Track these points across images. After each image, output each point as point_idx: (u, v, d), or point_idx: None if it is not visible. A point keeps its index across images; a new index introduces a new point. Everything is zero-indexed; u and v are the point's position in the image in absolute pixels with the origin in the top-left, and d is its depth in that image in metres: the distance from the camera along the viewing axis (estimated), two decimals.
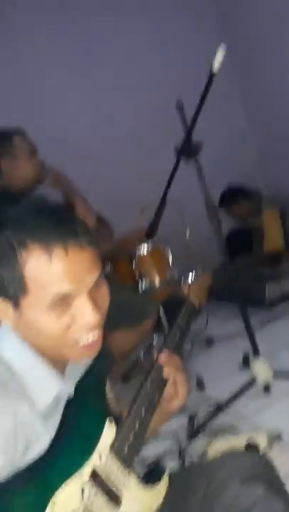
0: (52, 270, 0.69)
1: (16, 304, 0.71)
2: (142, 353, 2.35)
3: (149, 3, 3.95)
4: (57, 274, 0.69)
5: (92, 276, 0.73)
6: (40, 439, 0.70)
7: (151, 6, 3.95)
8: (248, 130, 4.33)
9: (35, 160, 2.00)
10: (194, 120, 1.69)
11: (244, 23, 3.89)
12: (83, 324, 0.72)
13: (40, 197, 0.80)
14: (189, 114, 1.76)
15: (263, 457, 0.91)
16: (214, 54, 1.56)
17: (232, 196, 3.45)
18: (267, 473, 0.85)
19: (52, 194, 1.95)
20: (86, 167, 3.56)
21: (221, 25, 4.16)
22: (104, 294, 0.78)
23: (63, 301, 0.71)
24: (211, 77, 1.57)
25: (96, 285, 0.75)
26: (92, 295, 0.74)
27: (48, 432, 0.71)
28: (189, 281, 1.18)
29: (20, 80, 3.54)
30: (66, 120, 3.64)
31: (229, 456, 0.92)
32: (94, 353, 0.77)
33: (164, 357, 0.94)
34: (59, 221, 0.71)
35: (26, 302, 0.71)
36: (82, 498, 0.68)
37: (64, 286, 0.70)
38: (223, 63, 1.57)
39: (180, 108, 1.74)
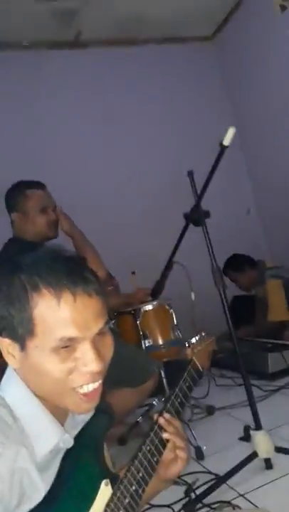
0: (59, 314, 0.72)
1: (23, 345, 0.73)
2: (141, 415, 2.28)
3: (166, 87, 4.31)
4: (64, 319, 0.72)
5: (97, 324, 0.75)
6: (36, 490, 0.69)
7: (167, 88, 4.31)
8: (254, 202, 4.51)
9: (46, 216, 2.04)
10: (204, 188, 1.79)
11: (250, 103, 4.19)
12: (85, 371, 0.74)
13: (57, 245, 0.84)
14: (199, 184, 1.87)
15: None
16: (223, 129, 1.70)
17: (237, 264, 3.52)
18: None
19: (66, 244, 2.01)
20: (99, 224, 3.69)
21: (230, 105, 4.49)
22: (108, 345, 0.80)
23: (68, 346, 0.73)
24: (223, 149, 1.68)
25: (101, 334, 0.77)
26: (96, 344, 0.76)
27: (44, 483, 0.70)
28: (194, 343, 1.19)
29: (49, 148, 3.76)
30: (85, 180, 3.85)
31: None
32: (93, 403, 0.78)
33: (164, 419, 0.93)
34: (71, 269, 0.75)
35: (32, 344, 0.73)
36: None
37: (69, 331, 0.72)
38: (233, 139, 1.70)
39: (191, 177, 1.84)
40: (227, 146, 1.67)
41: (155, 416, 0.95)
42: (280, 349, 2.85)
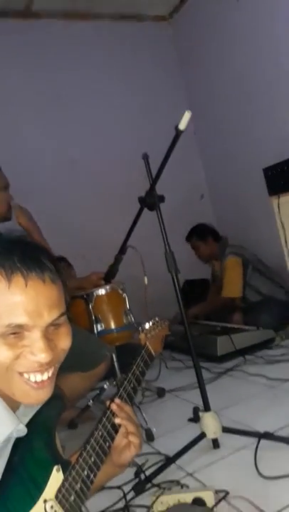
0: (9, 298, 0.69)
1: None
2: (92, 399, 2.28)
3: (120, 66, 4.20)
4: (13, 304, 0.69)
5: (51, 313, 0.72)
6: None
7: (122, 67, 4.21)
8: (207, 187, 4.57)
9: (5, 195, 2.00)
10: (159, 172, 1.77)
11: (205, 87, 4.20)
12: (32, 360, 0.71)
13: (16, 230, 0.80)
14: (153, 167, 1.85)
15: (211, 511, 0.89)
16: (178, 112, 1.68)
17: (203, 233, 3.58)
18: None
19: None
20: (51, 206, 3.59)
21: (185, 88, 4.48)
22: (64, 335, 0.77)
23: (16, 333, 0.70)
24: (178, 133, 1.66)
25: (56, 325, 0.74)
26: (49, 333, 0.73)
27: None
28: (147, 329, 1.19)
29: None
30: (35, 164, 3.70)
31: (178, 509, 0.90)
32: (44, 393, 0.75)
33: (116, 405, 0.93)
34: (27, 253, 0.72)
35: None
36: None
37: (19, 318, 0.69)
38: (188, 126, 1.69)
39: (146, 160, 1.82)
40: (182, 131, 1.65)
41: (107, 402, 0.94)
42: (228, 332, 2.93)
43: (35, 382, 0.73)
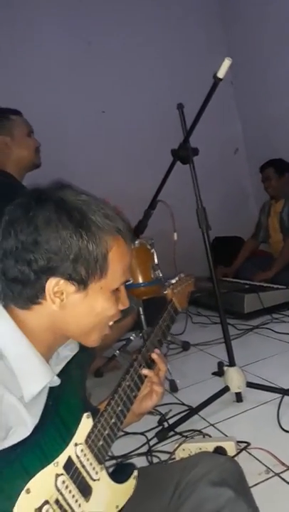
0: (125, 260, 0.81)
1: (85, 285, 0.76)
2: (118, 349, 2.35)
3: (154, 5, 3.97)
4: (126, 265, 0.82)
5: None
6: (23, 424, 0.69)
7: (156, 7, 3.98)
8: (243, 141, 4.40)
9: (32, 140, 1.98)
10: (194, 123, 1.70)
11: (245, 36, 3.95)
12: (120, 307, 0.83)
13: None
14: (187, 120, 1.78)
15: (233, 460, 0.92)
16: (216, 66, 1.59)
17: (281, 167, 3.43)
18: (236, 476, 0.86)
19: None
20: (81, 159, 3.56)
21: (224, 36, 4.22)
22: None
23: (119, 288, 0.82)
24: (216, 82, 1.58)
25: None
26: None
27: (32, 417, 0.71)
28: (173, 284, 1.19)
29: (23, 77, 3.49)
30: (64, 112, 3.63)
31: (200, 456, 0.93)
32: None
33: (156, 355, 0.97)
34: (125, 221, 0.82)
35: (98, 285, 0.77)
36: (55, 488, 0.68)
37: (127, 276, 0.82)
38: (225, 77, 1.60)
39: (180, 110, 1.75)
40: (221, 79, 1.57)
41: (134, 354, 0.96)
42: (256, 290, 2.91)
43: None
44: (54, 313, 0.76)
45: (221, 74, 1.57)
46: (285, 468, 1.30)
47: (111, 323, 0.84)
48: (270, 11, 3.59)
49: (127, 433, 1.56)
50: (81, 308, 0.77)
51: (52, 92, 3.55)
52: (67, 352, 0.86)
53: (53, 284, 0.73)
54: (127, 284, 2.40)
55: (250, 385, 1.77)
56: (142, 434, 1.60)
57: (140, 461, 1.46)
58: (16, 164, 1.94)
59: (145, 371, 0.93)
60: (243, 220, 4.06)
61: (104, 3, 3.78)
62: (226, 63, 1.54)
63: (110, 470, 0.83)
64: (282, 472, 1.29)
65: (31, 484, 0.64)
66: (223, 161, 4.19)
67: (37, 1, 3.56)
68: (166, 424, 1.65)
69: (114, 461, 1.44)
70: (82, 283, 0.75)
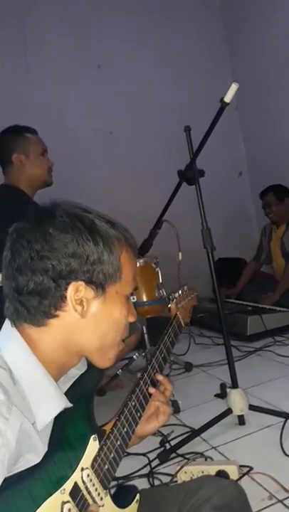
0: (134, 265, 0.82)
1: (103, 288, 0.75)
2: (121, 368, 2.34)
3: (162, 29, 4.07)
4: (135, 271, 0.83)
5: None
6: (35, 453, 0.67)
7: (164, 31, 4.08)
8: (246, 165, 4.45)
9: (46, 160, 2.01)
10: (201, 145, 1.73)
11: (251, 60, 4.04)
12: (130, 320, 0.83)
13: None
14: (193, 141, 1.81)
15: (236, 485, 0.91)
16: (221, 90, 1.62)
17: (282, 192, 3.44)
18: (239, 501, 0.85)
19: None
20: (86, 176, 3.60)
21: (229, 60, 4.32)
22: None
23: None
24: (223, 106, 1.61)
25: None
26: None
27: (42, 443, 0.69)
28: (177, 297, 1.19)
29: (34, 99, 3.57)
30: (73, 133, 3.69)
31: (203, 480, 0.91)
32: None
33: (162, 377, 0.96)
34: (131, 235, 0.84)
35: (114, 289, 0.77)
36: None
37: (136, 283, 0.83)
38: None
39: (188, 132, 1.78)
40: (228, 103, 1.60)
41: (139, 373, 0.96)
42: (259, 312, 2.91)
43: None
44: (72, 325, 0.74)
45: (228, 98, 1.60)
46: (288, 495, 1.27)
47: (124, 337, 0.83)
48: (274, 36, 3.68)
49: (128, 454, 1.53)
50: (101, 314, 0.75)
51: (62, 113, 3.63)
52: (75, 371, 0.83)
53: (74, 290, 0.72)
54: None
55: (252, 407, 1.76)
56: (144, 455, 1.58)
57: (141, 483, 1.43)
58: (28, 182, 1.97)
59: (152, 390, 0.92)
60: (245, 241, 4.08)
61: (112, 26, 3.88)
62: (233, 88, 1.58)
63: (112, 491, 0.81)
64: (285, 499, 1.26)
65: None
66: (227, 183, 4.24)
67: (47, 24, 3.66)
68: (167, 446, 1.63)
69: (115, 482, 1.41)
70: (100, 287, 0.74)
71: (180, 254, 2.09)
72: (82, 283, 0.73)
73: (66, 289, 0.72)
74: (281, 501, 1.26)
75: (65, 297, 0.72)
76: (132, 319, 0.82)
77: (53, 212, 0.75)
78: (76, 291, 0.72)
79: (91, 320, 0.75)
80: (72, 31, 3.77)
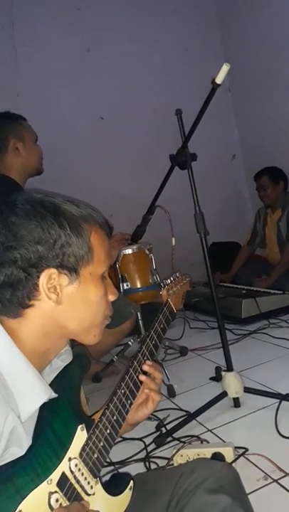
0: (105, 245, 0.80)
1: (77, 272, 0.74)
2: (116, 354, 2.35)
3: (153, 12, 3.99)
4: (107, 250, 0.80)
5: None
6: (19, 445, 0.67)
7: (155, 14, 4.00)
8: (239, 148, 4.42)
9: (39, 147, 2.01)
10: (193, 129, 1.70)
11: (244, 41, 3.97)
12: (110, 299, 0.82)
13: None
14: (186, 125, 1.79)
15: (230, 467, 0.91)
16: (214, 74, 1.59)
17: (276, 175, 3.40)
18: (233, 483, 0.85)
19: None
20: (78, 163, 3.56)
21: (221, 41, 4.25)
22: (112, 288, 0.86)
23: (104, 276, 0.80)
24: (214, 88, 1.58)
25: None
26: None
27: (27, 437, 0.68)
28: (169, 284, 1.18)
29: (22, 83, 3.50)
30: (64, 119, 3.64)
31: (196, 463, 0.92)
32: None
33: (148, 366, 0.94)
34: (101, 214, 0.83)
35: (87, 271, 0.76)
36: (49, 507, 0.65)
37: (110, 261, 0.82)
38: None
39: (179, 116, 1.76)
40: (219, 85, 1.57)
41: (130, 360, 0.95)
42: (253, 295, 2.92)
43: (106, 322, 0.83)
44: (49, 313, 0.74)
45: (219, 79, 1.57)
46: (283, 475, 1.29)
47: (110, 314, 0.83)
48: (268, 18, 3.62)
49: (124, 439, 1.55)
50: (76, 298, 0.75)
51: (51, 98, 3.56)
52: (59, 363, 0.83)
53: (46, 278, 0.72)
54: (125, 289, 2.38)
55: (247, 390, 1.77)
56: (140, 439, 1.59)
57: (138, 467, 1.45)
58: (22, 169, 1.94)
59: (142, 377, 0.92)
60: (240, 225, 4.07)
61: (102, 11, 3.80)
62: (225, 69, 1.55)
63: (106, 479, 0.81)
64: (280, 478, 1.28)
65: (23, 506, 0.62)
66: (221, 167, 4.21)
67: (36, 8, 3.57)
68: (164, 430, 1.65)
69: (111, 468, 1.43)
70: (74, 270, 0.74)
71: (173, 239, 2.08)
72: (55, 270, 0.72)
73: (38, 277, 0.71)
74: (276, 481, 1.27)
75: (38, 286, 0.72)
76: (112, 298, 0.82)
77: (13, 201, 0.74)
78: (49, 279, 0.72)
79: (67, 305, 0.75)
80: (62, 15, 3.68)
